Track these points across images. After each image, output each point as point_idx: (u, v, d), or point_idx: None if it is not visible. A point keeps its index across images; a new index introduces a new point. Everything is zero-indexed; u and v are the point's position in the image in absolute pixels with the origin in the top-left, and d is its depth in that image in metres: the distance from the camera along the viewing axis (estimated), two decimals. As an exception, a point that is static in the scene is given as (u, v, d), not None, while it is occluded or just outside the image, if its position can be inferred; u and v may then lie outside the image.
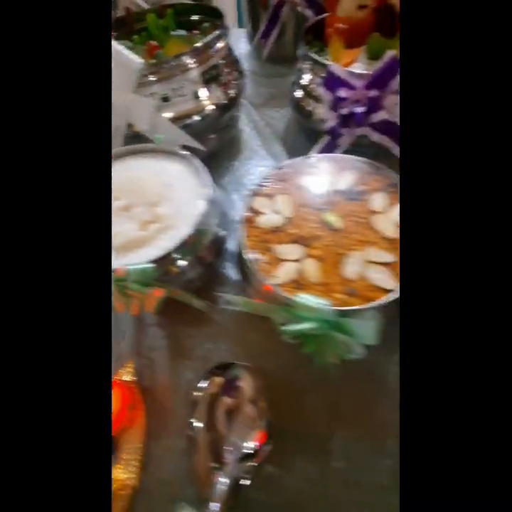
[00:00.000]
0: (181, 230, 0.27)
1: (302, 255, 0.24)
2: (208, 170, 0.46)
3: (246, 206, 0.27)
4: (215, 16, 0.44)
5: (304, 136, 0.48)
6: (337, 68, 0.34)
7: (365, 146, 0.37)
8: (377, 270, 0.23)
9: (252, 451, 0.25)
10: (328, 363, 0.24)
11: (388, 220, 0.25)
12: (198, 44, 0.37)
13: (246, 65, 0.65)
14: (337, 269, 0.23)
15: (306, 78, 0.41)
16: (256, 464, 0.25)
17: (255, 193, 0.27)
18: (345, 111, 0.34)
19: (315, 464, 0.25)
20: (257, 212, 0.27)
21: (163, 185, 0.30)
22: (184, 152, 0.32)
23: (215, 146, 0.46)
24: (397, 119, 0.35)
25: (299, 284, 0.23)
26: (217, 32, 0.39)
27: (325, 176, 0.28)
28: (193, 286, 0.32)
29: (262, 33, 0.57)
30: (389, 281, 0.22)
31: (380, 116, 0.33)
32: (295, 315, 0.21)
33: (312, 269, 0.23)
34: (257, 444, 0.25)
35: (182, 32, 0.40)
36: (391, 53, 0.31)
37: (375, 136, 0.36)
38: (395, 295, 0.21)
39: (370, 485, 0.25)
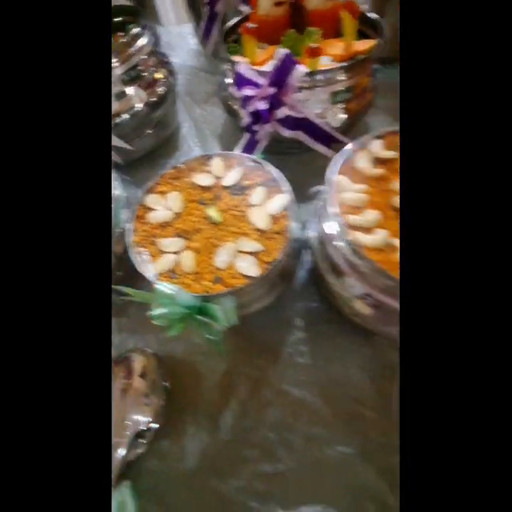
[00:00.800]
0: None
1: (182, 247, 0.26)
2: (143, 167, 0.48)
3: (139, 203, 0.29)
4: (139, 16, 0.45)
5: (239, 134, 0.49)
6: (243, 67, 0.36)
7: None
8: (245, 259, 0.25)
9: (146, 428, 0.27)
10: (221, 348, 0.26)
11: (263, 212, 0.27)
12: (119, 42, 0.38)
13: (193, 61, 0.67)
14: (210, 260, 0.25)
15: (228, 79, 0.43)
16: (150, 438, 0.27)
17: (149, 191, 0.29)
18: (251, 108, 0.36)
19: (206, 436, 0.28)
20: (149, 209, 0.29)
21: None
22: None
23: (151, 143, 0.48)
24: (302, 115, 0.37)
25: (174, 273, 0.25)
26: (135, 31, 0.40)
27: (215, 173, 0.30)
28: (115, 279, 0.34)
29: (203, 30, 0.58)
30: (253, 269, 0.24)
31: (283, 112, 0.35)
32: (167, 302, 0.23)
33: (188, 260, 0.25)
34: (150, 420, 0.27)
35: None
36: (283, 51, 0.32)
37: (287, 132, 0.38)
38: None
39: (253, 455, 0.27)
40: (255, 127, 0.38)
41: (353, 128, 0.44)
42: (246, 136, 0.42)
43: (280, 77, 0.34)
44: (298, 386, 0.29)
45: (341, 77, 0.38)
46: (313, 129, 0.39)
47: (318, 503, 0.25)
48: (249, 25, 0.38)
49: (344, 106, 0.41)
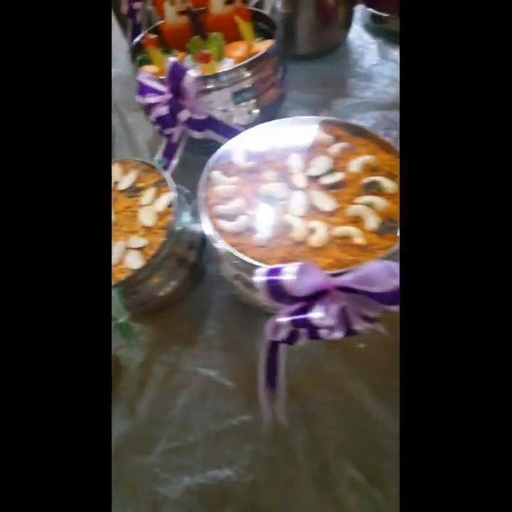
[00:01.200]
0: None
1: (78, 250, 0.28)
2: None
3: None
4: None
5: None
6: (143, 77, 0.38)
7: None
8: (132, 254, 0.27)
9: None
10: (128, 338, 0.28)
11: (151, 211, 0.29)
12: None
13: (129, 71, 0.69)
14: (102, 258, 0.28)
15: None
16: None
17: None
18: (155, 114, 0.38)
19: (125, 421, 0.30)
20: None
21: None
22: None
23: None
24: (205, 116, 0.39)
25: (70, 274, 0.27)
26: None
27: (114, 178, 0.32)
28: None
29: (130, 41, 0.60)
30: (137, 262, 0.27)
31: (184, 115, 0.37)
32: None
33: (83, 260, 0.28)
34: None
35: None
36: (171, 59, 0.35)
37: (196, 134, 0.40)
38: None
39: (165, 433, 0.30)
40: (166, 132, 0.41)
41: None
42: (164, 141, 0.44)
43: (174, 83, 0.36)
44: (209, 368, 0.32)
45: (244, 75, 0.41)
46: (222, 128, 0.41)
47: (222, 467, 0.28)
48: (151, 36, 0.40)
49: (254, 102, 0.43)
